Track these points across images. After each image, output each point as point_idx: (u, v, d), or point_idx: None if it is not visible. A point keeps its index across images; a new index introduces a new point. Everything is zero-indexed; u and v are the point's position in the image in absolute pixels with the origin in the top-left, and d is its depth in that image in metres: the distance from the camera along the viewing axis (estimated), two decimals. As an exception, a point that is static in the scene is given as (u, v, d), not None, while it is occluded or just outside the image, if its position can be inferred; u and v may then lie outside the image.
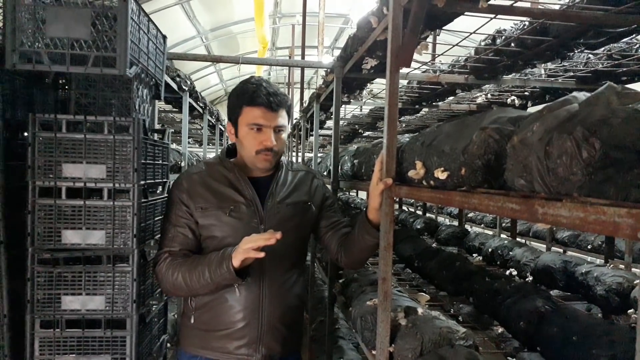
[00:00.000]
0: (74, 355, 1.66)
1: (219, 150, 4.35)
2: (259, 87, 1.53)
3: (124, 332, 1.68)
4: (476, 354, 1.39)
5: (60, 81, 1.94)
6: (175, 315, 3.34)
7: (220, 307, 1.55)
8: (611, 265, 2.69)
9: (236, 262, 1.41)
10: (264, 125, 1.53)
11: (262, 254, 1.39)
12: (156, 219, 1.95)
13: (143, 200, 1.74)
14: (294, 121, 6.64)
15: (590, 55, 2.49)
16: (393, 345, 1.49)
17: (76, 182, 1.64)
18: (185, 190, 1.57)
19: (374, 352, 1.57)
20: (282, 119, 1.57)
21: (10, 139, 1.69)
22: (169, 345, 2.44)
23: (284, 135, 1.60)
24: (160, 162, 2.00)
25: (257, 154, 1.55)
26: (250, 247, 1.38)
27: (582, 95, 0.86)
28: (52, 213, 1.63)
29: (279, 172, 1.65)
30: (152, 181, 1.89)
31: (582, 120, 0.76)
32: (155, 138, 2.00)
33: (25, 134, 1.65)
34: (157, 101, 2.51)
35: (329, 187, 2.72)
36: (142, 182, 1.72)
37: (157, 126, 2.74)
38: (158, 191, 2.07)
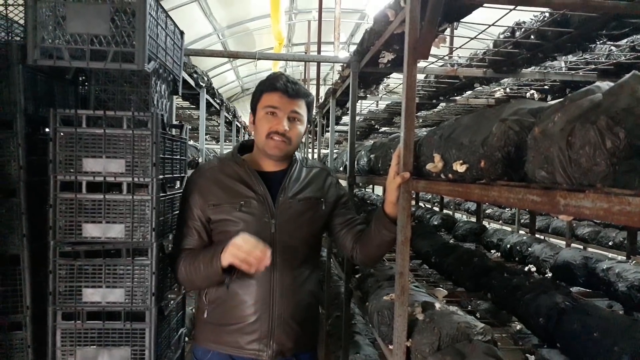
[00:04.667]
0: (94, 346, 1.69)
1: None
2: (280, 76, 1.58)
3: (143, 324, 1.71)
4: (495, 349, 1.38)
5: (80, 77, 1.97)
6: (193, 310, 3.36)
7: (232, 301, 1.56)
8: (633, 262, 2.64)
9: (225, 262, 1.44)
10: (278, 108, 1.55)
11: (252, 270, 1.40)
12: (174, 213, 1.96)
13: (161, 194, 1.75)
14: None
15: (612, 47, 2.44)
16: (410, 340, 1.48)
17: (96, 177, 1.66)
18: (197, 189, 1.60)
19: (390, 346, 1.57)
20: (299, 108, 1.58)
21: (32, 134, 1.73)
22: (187, 338, 2.46)
23: (300, 127, 1.60)
24: (178, 157, 2.01)
25: (267, 138, 1.56)
26: (238, 258, 1.40)
27: (606, 85, 0.84)
28: (72, 207, 1.65)
29: (292, 167, 1.65)
30: (171, 176, 1.90)
31: (606, 109, 0.74)
32: (173, 133, 2.02)
33: (47, 129, 1.68)
34: (174, 97, 2.53)
35: (345, 182, 2.72)
36: (161, 177, 1.73)
37: (174, 122, 2.76)
38: (176, 186, 2.09)
